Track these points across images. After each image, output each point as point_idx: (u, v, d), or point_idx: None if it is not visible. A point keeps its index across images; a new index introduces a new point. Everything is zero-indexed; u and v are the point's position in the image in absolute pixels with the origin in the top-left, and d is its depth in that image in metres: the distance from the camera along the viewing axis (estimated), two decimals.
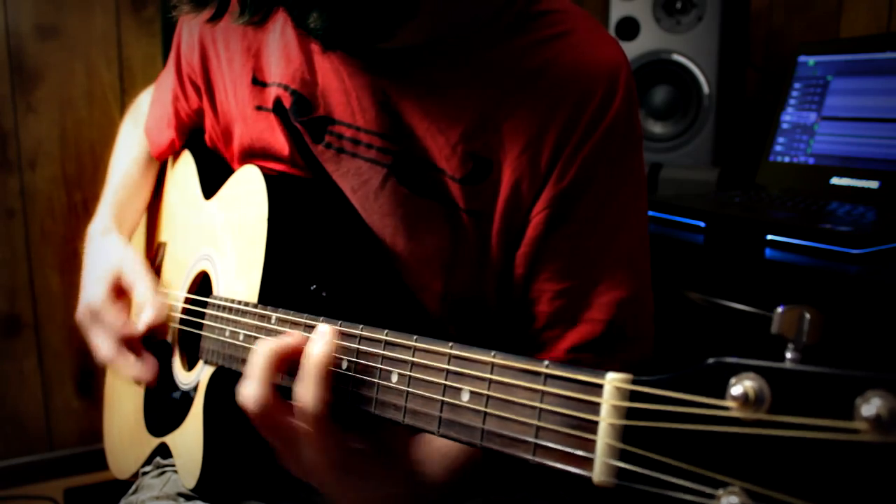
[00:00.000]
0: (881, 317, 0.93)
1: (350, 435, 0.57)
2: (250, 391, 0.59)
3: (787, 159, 1.46)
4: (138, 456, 0.93)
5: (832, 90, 1.41)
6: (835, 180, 1.37)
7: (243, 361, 0.70)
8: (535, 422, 0.43)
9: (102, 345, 0.85)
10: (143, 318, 0.83)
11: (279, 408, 0.58)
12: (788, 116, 1.48)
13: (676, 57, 1.58)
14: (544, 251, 0.73)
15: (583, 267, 0.73)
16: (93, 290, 0.88)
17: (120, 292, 0.88)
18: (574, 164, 0.71)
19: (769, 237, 1.12)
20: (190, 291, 0.87)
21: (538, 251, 0.73)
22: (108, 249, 0.92)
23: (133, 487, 0.89)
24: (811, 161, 1.42)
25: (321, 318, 0.60)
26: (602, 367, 0.41)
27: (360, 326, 0.56)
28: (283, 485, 0.81)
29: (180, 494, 0.83)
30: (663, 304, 0.80)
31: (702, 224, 1.23)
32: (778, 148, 1.49)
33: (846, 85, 1.40)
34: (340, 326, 0.58)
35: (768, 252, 1.10)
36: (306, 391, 0.55)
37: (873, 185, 1.30)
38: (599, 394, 0.39)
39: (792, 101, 1.48)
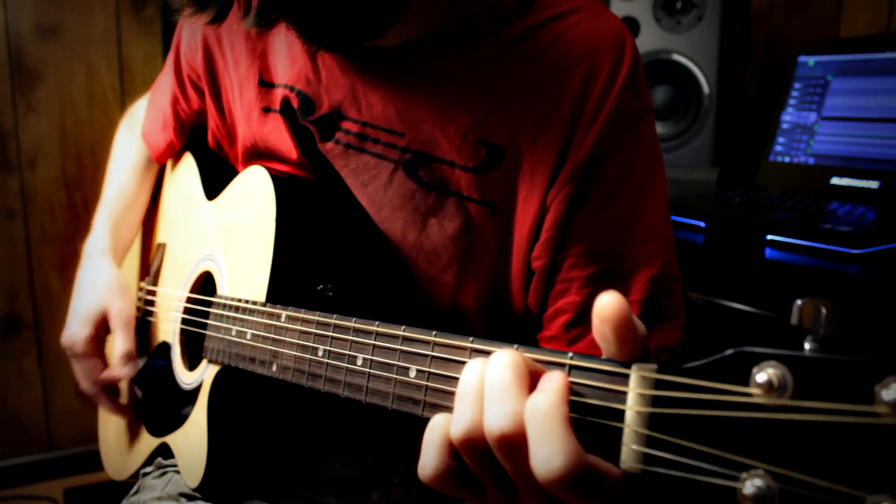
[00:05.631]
0: (881, 317, 0.93)
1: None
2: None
3: (787, 159, 1.47)
4: (137, 457, 0.94)
5: (832, 90, 1.42)
6: (835, 180, 1.37)
7: (251, 360, 0.70)
8: None
9: (82, 381, 0.94)
10: (115, 371, 0.90)
11: None
12: (788, 116, 1.48)
13: (676, 57, 1.58)
14: (568, 232, 0.71)
15: (610, 244, 0.72)
16: (77, 327, 0.93)
17: (103, 331, 0.94)
18: (591, 133, 0.70)
19: (769, 237, 1.12)
20: (192, 291, 0.87)
21: (562, 234, 0.71)
22: (100, 278, 0.95)
23: (135, 488, 0.90)
24: (811, 161, 1.43)
25: (334, 316, 0.60)
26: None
27: (376, 323, 0.56)
28: (285, 483, 0.82)
29: (182, 494, 0.83)
30: None
31: (702, 224, 1.24)
32: (778, 148, 1.49)
33: (846, 85, 1.40)
34: (355, 323, 0.58)
35: (768, 252, 1.10)
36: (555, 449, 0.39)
37: (873, 185, 1.30)
38: (626, 383, 0.40)
39: (792, 101, 1.48)
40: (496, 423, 0.41)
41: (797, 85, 1.48)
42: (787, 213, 1.20)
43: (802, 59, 1.48)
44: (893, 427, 0.30)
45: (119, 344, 0.90)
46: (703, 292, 1.18)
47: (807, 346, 0.35)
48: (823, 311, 0.35)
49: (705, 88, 1.56)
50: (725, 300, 1.15)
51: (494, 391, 0.42)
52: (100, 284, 0.94)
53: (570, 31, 0.72)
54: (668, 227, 0.75)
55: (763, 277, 1.10)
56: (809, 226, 1.09)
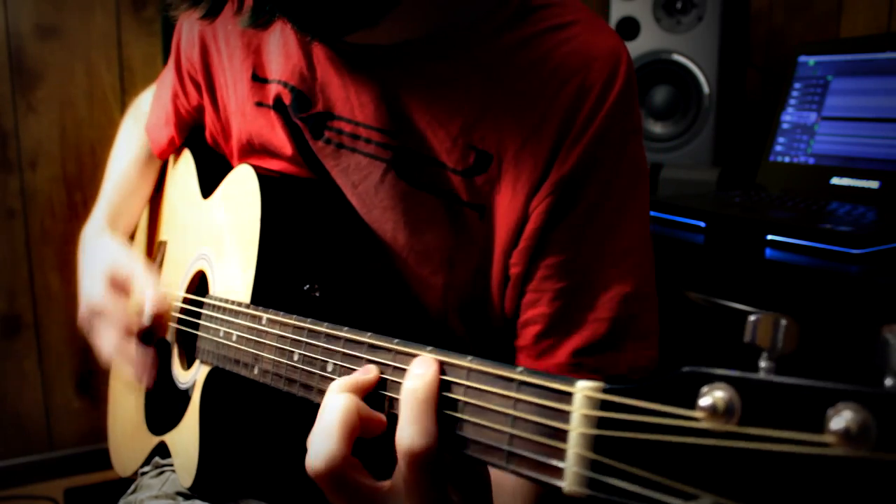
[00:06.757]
0: (881, 317, 0.93)
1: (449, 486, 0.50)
2: (327, 448, 0.49)
3: (787, 159, 1.46)
4: (140, 454, 0.94)
5: (832, 90, 1.41)
6: (835, 180, 1.37)
7: (235, 362, 0.69)
8: (508, 429, 0.42)
9: (106, 341, 0.85)
10: (146, 308, 0.83)
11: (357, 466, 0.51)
12: (788, 116, 1.48)
13: (676, 57, 1.58)
14: (545, 244, 0.71)
15: (585, 261, 0.71)
16: (91, 288, 0.88)
17: (118, 288, 0.87)
18: (577, 149, 0.70)
19: (769, 237, 1.12)
20: (188, 291, 0.87)
21: (539, 244, 0.71)
22: (101, 249, 0.93)
23: (132, 487, 0.90)
24: (811, 161, 1.42)
25: (309, 321, 0.59)
26: (606, 372, 0.41)
27: (345, 329, 0.55)
28: (280, 483, 0.82)
29: (179, 494, 0.83)
30: (663, 304, 0.80)
31: (702, 224, 1.23)
32: (778, 148, 1.48)
33: (846, 85, 1.39)
34: (326, 328, 0.57)
35: (768, 252, 1.10)
36: (415, 428, 0.46)
37: (873, 185, 1.30)
38: (570, 402, 0.39)
39: (792, 101, 1.48)
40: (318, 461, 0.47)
41: (797, 85, 1.48)
42: (787, 213, 1.19)
43: (802, 59, 1.48)
44: (842, 458, 0.28)
45: (139, 278, 0.85)
46: (703, 292, 1.18)
47: (762, 364, 0.33)
48: (783, 325, 0.33)
49: (705, 88, 1.55)
50: (725, 300, 1.15)
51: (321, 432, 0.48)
52: (106, 252, 0.91)
53: (565, 45, 0.72)
54: (646, 247, 0.75)
55: (763, 277, 1.10)
56: (809, 226, 1.09)
